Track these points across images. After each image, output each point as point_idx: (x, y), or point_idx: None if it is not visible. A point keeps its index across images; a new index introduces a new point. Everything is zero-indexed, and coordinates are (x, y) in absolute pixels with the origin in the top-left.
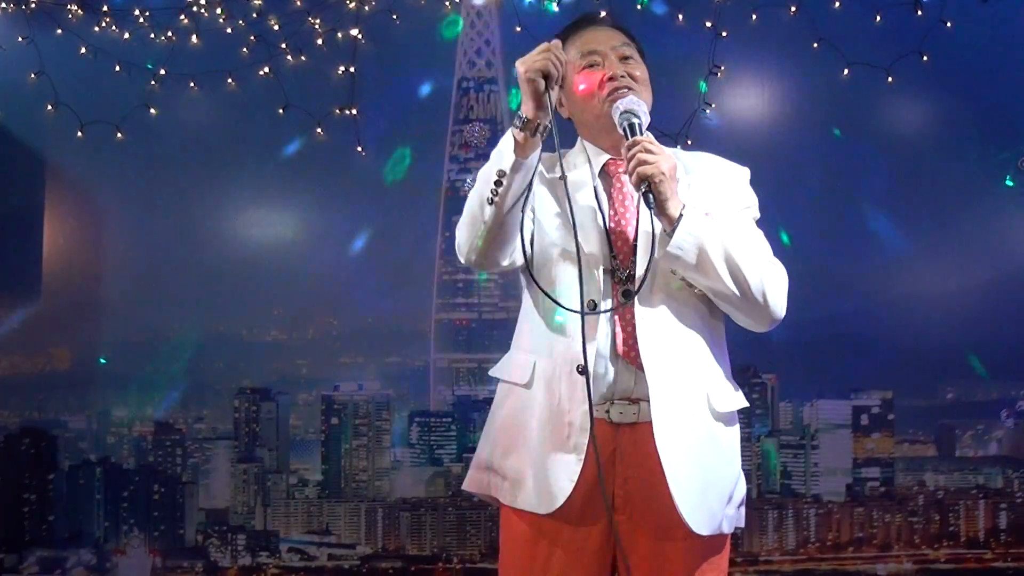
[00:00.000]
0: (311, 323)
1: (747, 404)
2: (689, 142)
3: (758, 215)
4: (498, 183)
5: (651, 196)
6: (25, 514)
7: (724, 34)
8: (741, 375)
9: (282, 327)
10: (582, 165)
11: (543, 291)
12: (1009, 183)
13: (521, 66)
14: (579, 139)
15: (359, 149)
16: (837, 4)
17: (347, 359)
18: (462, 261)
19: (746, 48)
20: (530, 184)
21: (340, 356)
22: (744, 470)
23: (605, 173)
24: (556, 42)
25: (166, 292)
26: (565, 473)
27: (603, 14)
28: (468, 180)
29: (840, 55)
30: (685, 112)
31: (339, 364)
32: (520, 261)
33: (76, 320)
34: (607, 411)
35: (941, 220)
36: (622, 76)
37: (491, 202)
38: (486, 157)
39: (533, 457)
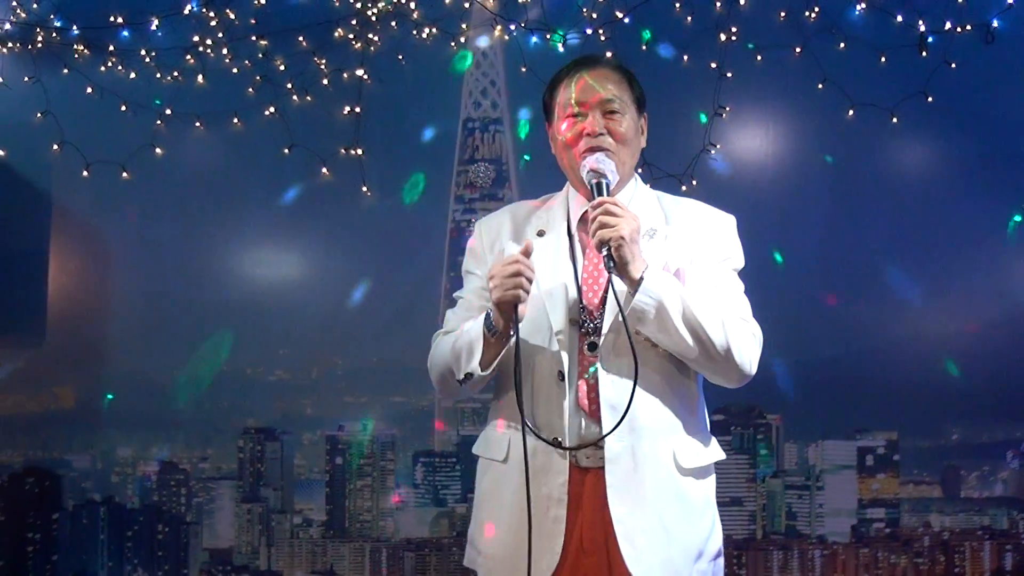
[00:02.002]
0: (316, 363)
1: (722, 456)
2: (694, 182)
3: (740, 265)
4: (467, 378)
5: (612, 259)
6: (29, 554)
7: (729, 75)
8: (746, 416)
9: (287, 367)
10: (561, 214)
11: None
12: (1017, 218)
13: (494, 291)
14: (566, 183)
15: (364, 189)
16: (842, 45)
17: (352, 399)
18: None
19: (751, 89)
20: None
21: (345, 396)
22: (749, 511)
23: (585, 221)
24: (523, 257)
25: (171, 332)
26: (548, 547)
27: (608, 54)
28: (473, 219)
29: (845, 96)
30: (690, 153)
31: (344, 404)
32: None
33: (81, 359)
34: (575, 455)
35: (946, 261)
36: (600, 134)
37: (461, 383)
38: (491, 197)
39: (512, 533)
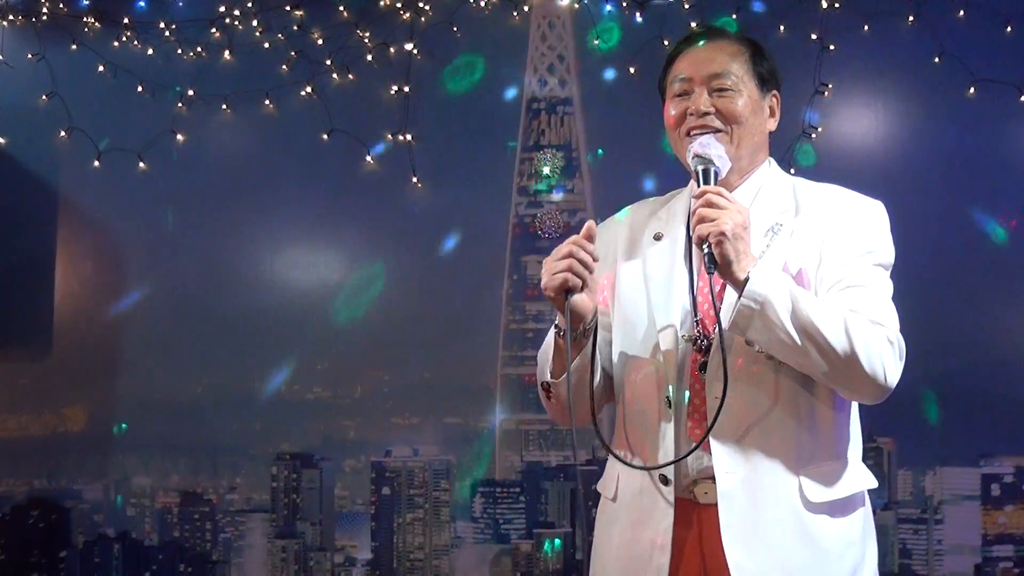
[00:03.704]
0: (359, 379)
1: (871, 484)
2: (792, 171)
3: (887, 260)
4: (547, 391)
5: (712, 259)
6: None
7: (832, 48)
8: None
9: (326, 384)
10: (681, 213)
11: (605, 446)
12: None
13: (543, 277)
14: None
15: (414, 180)
16: (961, 13)
17: (400, 420)
18: None
19: (857, 64)
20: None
21: (392, 417)
22: None
23: None
24: (580, 239)
25: (194, 343)
26: None
27: (693, 25)
28: (538, 215)
29: (965, 71)
30: (787, 137)
31: (391, 426)
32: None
33: (92, 376)
34: (692, 491)
35: None
36: (706, 113)
37: (549, 398)
38: (560, 189)
39: None
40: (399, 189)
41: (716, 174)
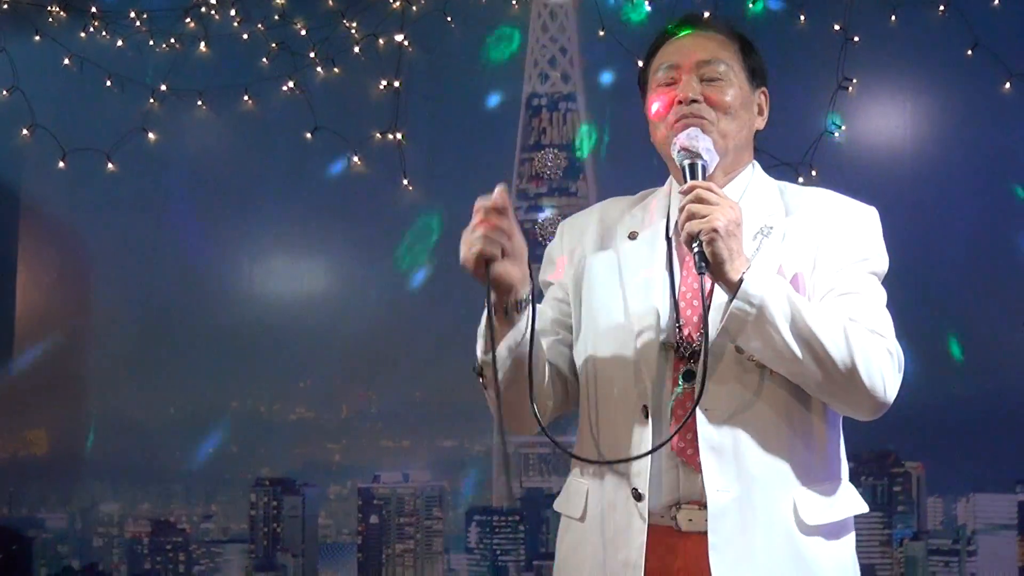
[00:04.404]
0: (345, 399)
1: (863, 509)
2: (814, 173)
3: (881, 268)
4: (480, 375)
5: (703, 258)
6: None
7: (856, 39)
8: (878, 463)
9: (309, 404)
10: (660, 213)
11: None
12: None
13: (461, 250)
14: (669, 176)
15: (405, 182)
16: (996, 2)
17: (390, 443)
18: None
19: (884, 57)
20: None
21: (381, 439)
22: None
23: None
24: (495, 202)
25: (167, 360)
26: None
27: (706, 15)
28: (540, 218)
29: (1000, 64)
30: (807, 136)
31: (380, 449)
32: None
33: (56, 395)
34: (674, 517)
35: None
36: (693, 101)
37: (485, 387)
38: (561, 191)
39: None
40: (388, 192)
41: (704, 169)
